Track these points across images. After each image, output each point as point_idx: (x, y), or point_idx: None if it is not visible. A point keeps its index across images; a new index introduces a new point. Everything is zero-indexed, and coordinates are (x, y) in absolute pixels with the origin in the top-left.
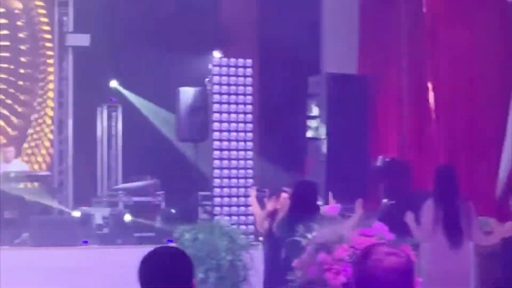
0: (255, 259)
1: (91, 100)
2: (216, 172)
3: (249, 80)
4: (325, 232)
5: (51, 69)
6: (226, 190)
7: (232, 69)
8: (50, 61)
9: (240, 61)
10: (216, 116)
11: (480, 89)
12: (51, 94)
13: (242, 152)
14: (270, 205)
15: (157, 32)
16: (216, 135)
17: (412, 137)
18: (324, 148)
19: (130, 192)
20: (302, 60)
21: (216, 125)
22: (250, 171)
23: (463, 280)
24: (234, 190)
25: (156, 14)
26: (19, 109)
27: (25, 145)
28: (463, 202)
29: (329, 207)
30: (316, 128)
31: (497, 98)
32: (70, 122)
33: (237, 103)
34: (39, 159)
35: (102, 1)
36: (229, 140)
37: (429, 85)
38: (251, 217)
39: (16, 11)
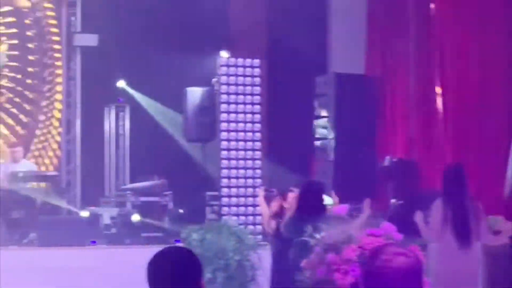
0: (263, 259)
1: (99, 100)
2: (224, 172)
3: (257, 80)
4: (333, 232)
5: (59, 71)
6: (233, 190)
7: (240, 69)
8: (58, 63)
9: (248, 61)
10: (223, 116)
11: (488, 88)
12: (59, 96)
13: (249, 152)
14: (274, 205)
15: (165, 32)
16: (223, 135)
17: (420, 137)
18: (332, 148)
19: (137, 192)
20: (310, 60)
21: (223, 125)
22: (258, 171)
23: (471, 280)
24: (241, 190)
25: (163, 14)
26: (28, 107)
27: (33, 145)
28: (471, 202)
29: (337, 207)
30: (324, 128)
31: (505, 97)
32: (78, 122)
33: (244, 103)
34: (47, 159)
35: (110, 2)
36: (236, 140)
37: (437, 85)
38: (259, 217)
39: (24, 10)
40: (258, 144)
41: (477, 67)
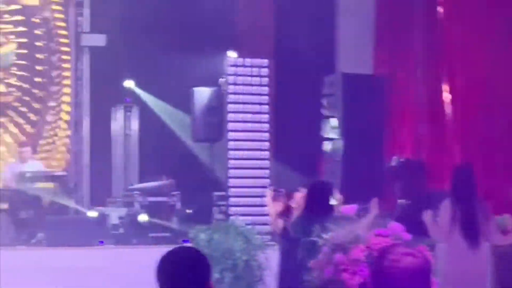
0: (271, 259)
1: (106, 100)
2: (231, 172)
3: (264, 80)
4: (341, 232)
5: (67, 73)
6: (241, 190)
7: (248, 69)
8: (66, 65)
9: (256, 61)
10: (231, 116)
11: (496, 88)
12: (67, 98)
13: (257, 152)
14: (278, 204)
15: (173, 32)
16: (231, 135)
17: (428, 137)
18: (339, 148)
19: (145, 192)
20: (317, 60)
21: (231, 125)
22: (265, 171)
23: (480, 281)
24: (249, 190)
25: (170, 14)
26: (36, 106)
27: (41, 144)
28: (480, 202)
29: (345, 207)
30: (331, 128)
31: None
32: (86, 122)
33: (252, 103)
34: (55, 159)
35: (118, 2)
36: (244, 140)
37: (445, 85)
38: (266, 217)
39: (32, 8)
40: (265, 144)
41: (485, 66)
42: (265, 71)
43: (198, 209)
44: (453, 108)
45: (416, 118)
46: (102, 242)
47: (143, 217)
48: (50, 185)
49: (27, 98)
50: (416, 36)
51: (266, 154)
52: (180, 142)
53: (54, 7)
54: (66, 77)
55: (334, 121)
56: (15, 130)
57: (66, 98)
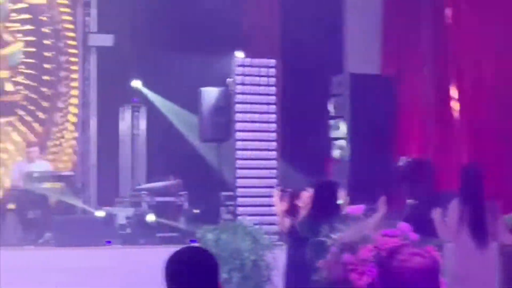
0: (278, 259)
1: (114, 100)
2: (239, 172)
3: (272, 80)
4: (349, 232)
5: (74, 75)
6: (249, 190)
7: (255, 69)
8: (74, 67)
9: (263, 61)
10: (239, 116)
11: (504, 88)
12: (74, 100)
13: (265, 152)
14: (283, 203)
15: (180, 32)
16: (239, 135)
17: (436, 137)
18: (347, 149)
19: (153, 192)
20: (325, 60)
21: (239, 125)
22: (273, 171)
23: (488, 281)
24: (257, 190)
25: (179, 14)
26: (44, 104)
27: (49, 144)
28: (488, 202)
29: (353, 207)
30: (339, 128)
31: None
32: (93, 122)
33: (260, 103)
34: (63, 159)
35: (125, 2)
36: (252, 140)
37: (453, 85)
38: (274, 217)
39: (39, 7)
40: (273, 144)
41: (493, 66)
42: (272, 71)
43: (205, 209)
44: (461, 108)
45: (424, 118)
46: (109, 242)
47: (150, 217)
48: (57, 185)
49: (35, 96)
50: (424, 36)
51: (274, 154)
52: (188, 142)
53: (62, 9)
54: (74, 79)
55: (342, 121)
56: (23, 128)
57: (74, 100)
